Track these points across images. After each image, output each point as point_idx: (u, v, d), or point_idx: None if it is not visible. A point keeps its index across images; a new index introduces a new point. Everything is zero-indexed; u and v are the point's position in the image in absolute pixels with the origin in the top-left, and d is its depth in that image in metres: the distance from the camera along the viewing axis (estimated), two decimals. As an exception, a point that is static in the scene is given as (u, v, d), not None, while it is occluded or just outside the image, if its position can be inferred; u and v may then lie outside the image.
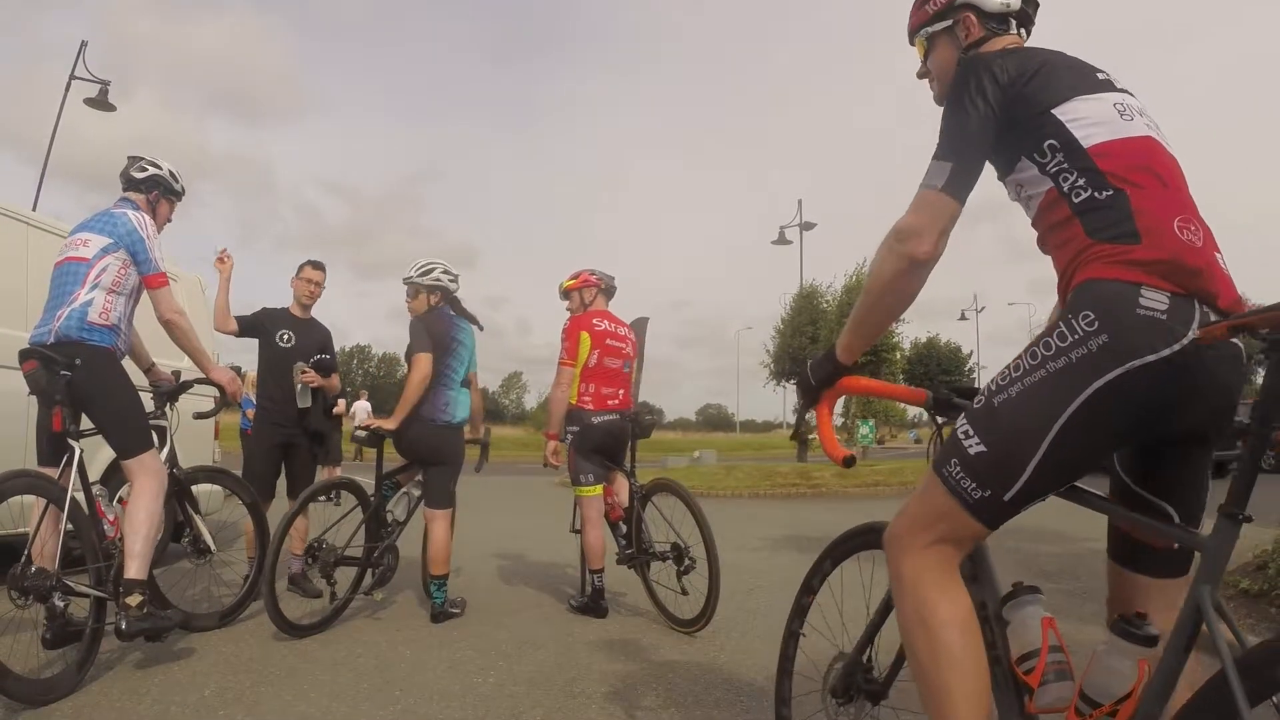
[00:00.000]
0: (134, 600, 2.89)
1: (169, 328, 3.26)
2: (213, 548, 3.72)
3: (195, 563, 3.70)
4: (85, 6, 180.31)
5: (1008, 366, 1.40)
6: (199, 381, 3.62)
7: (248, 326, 4.56)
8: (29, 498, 2.89)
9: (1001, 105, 1.44)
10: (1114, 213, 1.35)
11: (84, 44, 12.19)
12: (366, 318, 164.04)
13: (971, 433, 1.38)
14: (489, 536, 7.04)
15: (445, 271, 4.27)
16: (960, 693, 1.31)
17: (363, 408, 16.13)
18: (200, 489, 3.83)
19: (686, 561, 3.94)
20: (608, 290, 4.51)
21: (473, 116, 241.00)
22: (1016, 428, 1.33)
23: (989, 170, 1.53)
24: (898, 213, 1.48)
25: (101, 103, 12.20)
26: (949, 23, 1.65)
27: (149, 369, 3.68)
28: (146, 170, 3.42)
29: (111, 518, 3.32)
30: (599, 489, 4.20)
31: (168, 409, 3.57)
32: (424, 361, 4.01)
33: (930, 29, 1.69)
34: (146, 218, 3.27)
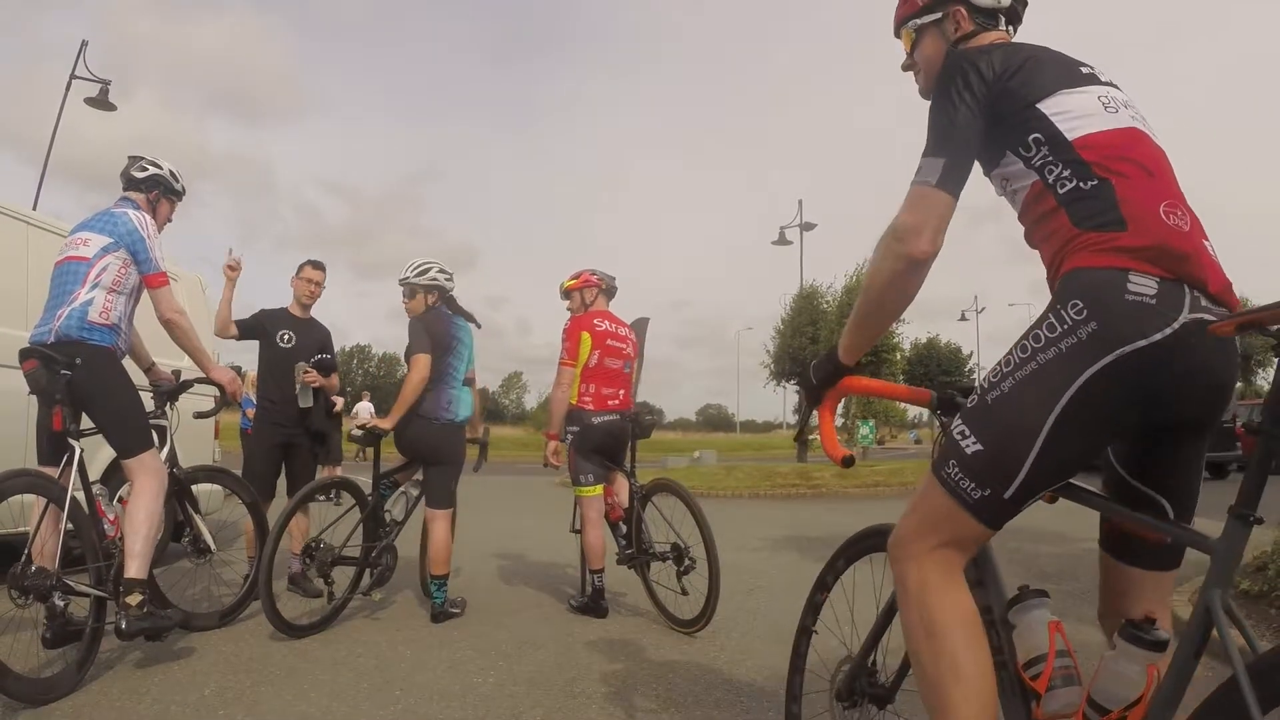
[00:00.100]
0: (134, 599, 2.88)
1: (169, 327, 3.26)
2: (213, 547, 3.71)
3: (195, 562, 3.70)
4: (85, 6, 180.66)
5: (1000, 362, 1.39)
6: (199, 381, 3.61)
7: (247, 330, 4.55)
8: (29, 497, 2.89)
9: (987, 100, 1.44)
10: (1099, 202, 1.34)
11: (84, 43, 12.14)
12: (366, 318, 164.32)
13: (968, 432, 1.37)
14: (489, 536, 7.04)
15: (441, 271, 4.26)
16: (965, 699, 1.30)
17: (365, 408, 16.14)
18: (200, 488, 3.83)
19: (686, 562, 3.94)
20: (609, 290, 4.50)
21: (473, 116, 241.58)
22: (1012, 423, 1.32)
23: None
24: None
25: (102, 102, 12.17)
26: (939, 15, 1.65)
27: (149, 368, 3.67)
28: (147, 170, 3.41)
29: (112, 517, 3.32)
30: (599, 489, 4.20)
31: (168, 408, 3.56)
32: (422, 363, 4.00)
33: (919, 20, 1.68)
34: (147, 217, 3.26)
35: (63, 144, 12.71)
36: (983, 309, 39.46)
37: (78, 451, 2.98)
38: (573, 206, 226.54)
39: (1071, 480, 1.40)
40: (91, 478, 3.15)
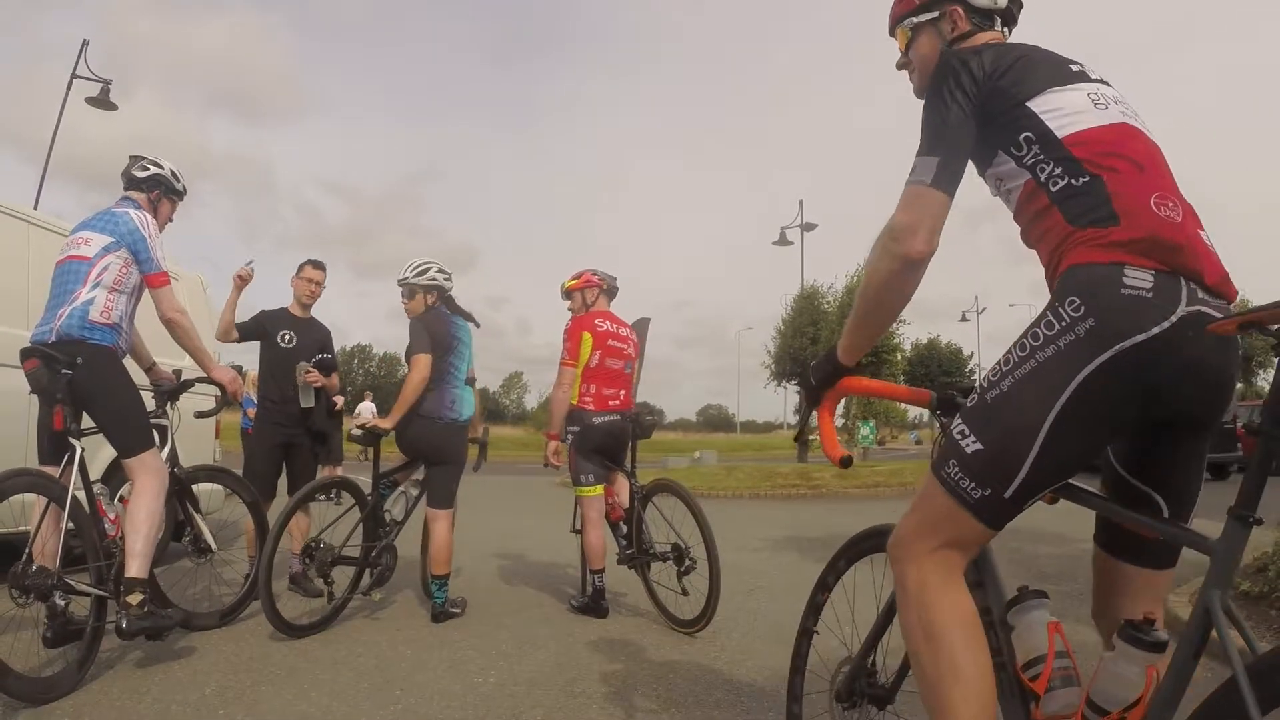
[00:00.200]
0: (135, 599, 2.88)
1: (170, 327, 3.26)
2: (213, 547, 3.71)
3: (196, 562, 3.70)
4: (85, 6, 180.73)
5: (999, 361, 1.39)
6: (200, 380, 3.61)
7: (248, 332, 4.57)
8: (30, 496, 2.89)
9: (978, 99, 1.44)
10: (1091, 198, 1.34)
11: (86, 42, 12.14)
12: (366, 318, 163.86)
13: (967, 431, 1.37)
14: (489, 536, 7.04)
15: (440, 271, 4.26)
16: (964, 700, 1.30)
17: (368, 408, 16.16)
18: (201, 488, 3.83)
19: (687, 562, 3.94)
20: (610, 291, 4.50)
21: (473, 116, 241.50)
22: (1012, 422, 1.32)
23: None
24: None
25: (103, 101, 12.17)
26: (935, 14, 1.65)
27: (150, 368, 3.68)
28: (148, 169, 3.41)
29: (112, 516, 3.32)
30: (600, 489, 4.20)
31: (169, 408, 3.56)
32: (423, 363, 4.00)
33: (915, 19, 1.68)
34: (148, 216, 3.27)
35: (64, 143, 12.83)
36: (983, 309, 39.49)
37: (78, 451, 2.98)
38: (573, 206, 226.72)
39: (1071, 480, 1.40)
40: (92, 477, 3.15)
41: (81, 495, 3.01)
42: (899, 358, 23.25)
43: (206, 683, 2.92)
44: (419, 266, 4.24)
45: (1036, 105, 1.42)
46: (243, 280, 4.47)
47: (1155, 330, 1.23)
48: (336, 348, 4.93)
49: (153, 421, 3.30)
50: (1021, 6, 1.67)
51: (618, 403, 4.27)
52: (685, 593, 3.89)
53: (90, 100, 12.20)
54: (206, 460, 5.07)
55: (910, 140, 1.50)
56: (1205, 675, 1.16)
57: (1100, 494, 1.45)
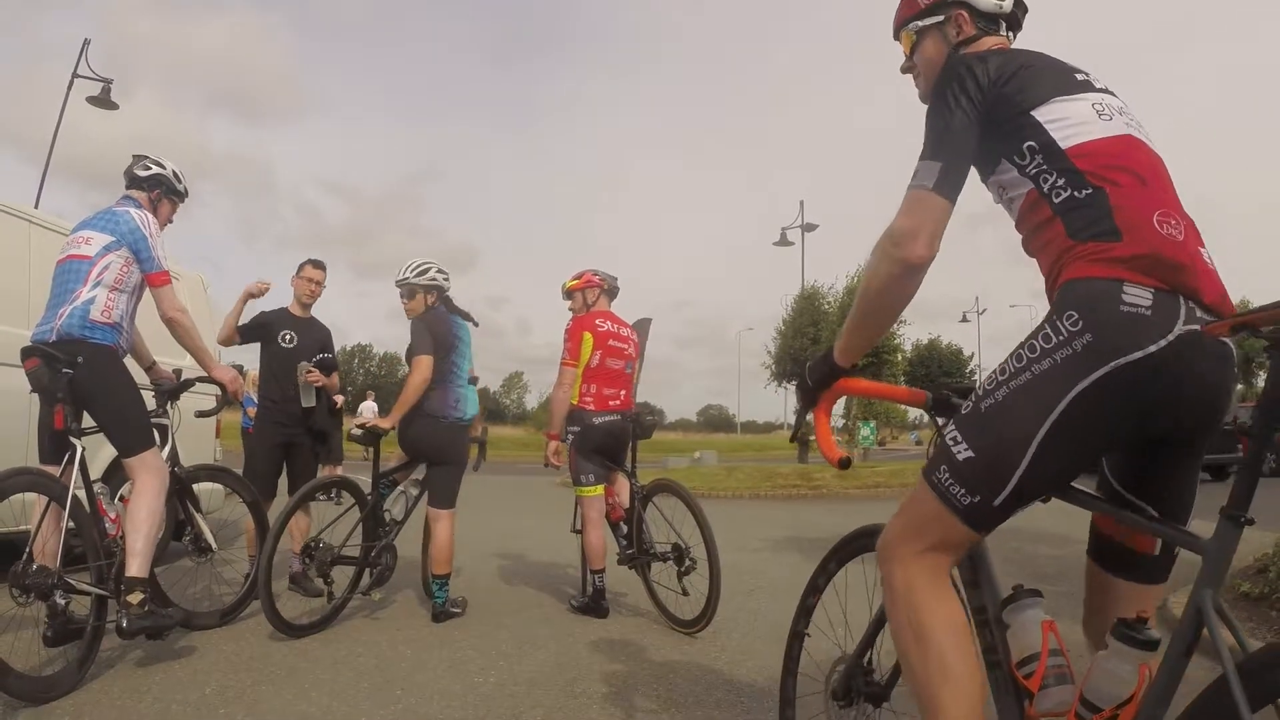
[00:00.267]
0: (135, 598, 2.89)
1: (171, 326, 3.27)
2: (214, 546, 3.71)
3: (196, 561, 3.70)
4: (86, 6, 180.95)
5: (995, 370, 1.39)
6: (200, 380, 3.62)
7: (248, 334, 4.59)
8: (30, 495, 2.90)
9: (983, 105, 1.44)
10: (1093, 211, 1.34)
11: (87, 41, 12.17)
12: (366, 317, 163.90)
13: (960, 438, 1.38)
14: (489, 536, 7.04)
15: (439, 270, 4.27)
16: (954, 699, 1.31)
17: (369, 408, 16.18)
18: (201, 487, 3.84)
19: (687, 562, 3.94)
20: (610, 291, 4.51)
21: (473, 116, 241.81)
22: (1004, 432, 1.32)
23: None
24: None
25: (104, 101, 12.19)
26: (940, 18, 1.64)
27: (150, 367, 3.68)
28: (150, 169, 3.42)
29: (113, 516, 3.32)
30: (600, 489, 4.20)
31: (169, 407, 3.57)
32: (424, 363, 4.01)
33: (921, 23, 1.67)
34: (149, 216, 3.28)
35: (64, 143, 12.87)
36: (984, 310, 39.53)
37: (79, 450, 2.99)
38: (573, 206, 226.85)
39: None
40: (93, 476, 3.16)
41: (82, 494, 3.01)
42: (900, 358, 23.24)
43: (207, 682, 2.92)
44: (419, 266, 4.25)
45: (1041, 114, 1.41)
46: (251, 295, 4.49)
47: (1152, 348, 1.23)
48: (337, 348, 4.94)
49: (153, 421, 3.30)
50: (1026, 11, 1.66)
51: (618, 403, 4.28)
52: (685, 593, 3.89)
53: (91, 99, 12.22)
54: (207, 459, 5.07)
55: (911, 141, 1.50)
56: (1198, 673, 1.17)
57: (1095, 494, 1.46)
